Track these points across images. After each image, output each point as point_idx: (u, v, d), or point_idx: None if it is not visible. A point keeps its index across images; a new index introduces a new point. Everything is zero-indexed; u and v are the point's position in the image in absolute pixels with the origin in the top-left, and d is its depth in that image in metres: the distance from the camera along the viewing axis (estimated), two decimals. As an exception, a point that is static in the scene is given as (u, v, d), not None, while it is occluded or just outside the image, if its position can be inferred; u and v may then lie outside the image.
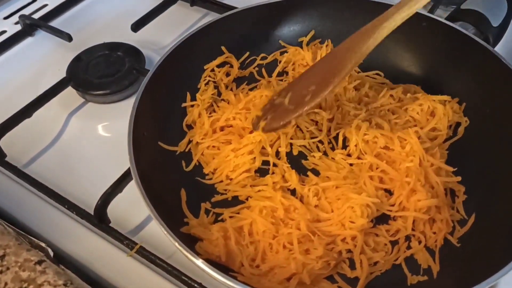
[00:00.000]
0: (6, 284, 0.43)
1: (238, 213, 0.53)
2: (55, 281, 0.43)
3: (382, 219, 0.54)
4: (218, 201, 0.56)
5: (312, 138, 0.60)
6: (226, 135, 0.60)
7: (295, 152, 0.60)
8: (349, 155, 0.58)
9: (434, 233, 0.52)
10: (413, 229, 0.52)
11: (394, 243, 0.52)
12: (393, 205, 0.54)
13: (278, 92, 0.60)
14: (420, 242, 0.52)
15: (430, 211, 0.52)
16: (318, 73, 0.58)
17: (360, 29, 0.55)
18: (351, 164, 0.57)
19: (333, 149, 0.60)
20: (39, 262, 0.45)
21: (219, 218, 0.54)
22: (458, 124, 0.61)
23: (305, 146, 0.60)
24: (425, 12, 0.64)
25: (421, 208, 0.52)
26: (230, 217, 0.53)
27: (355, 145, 0.58)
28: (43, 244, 0.50)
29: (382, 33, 0.53)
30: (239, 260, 0.48)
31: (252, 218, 0.51)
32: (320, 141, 0.60)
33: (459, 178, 0.55)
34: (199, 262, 0.44)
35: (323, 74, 0.56)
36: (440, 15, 0.70)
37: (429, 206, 0.52)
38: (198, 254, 0.45)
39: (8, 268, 0.44)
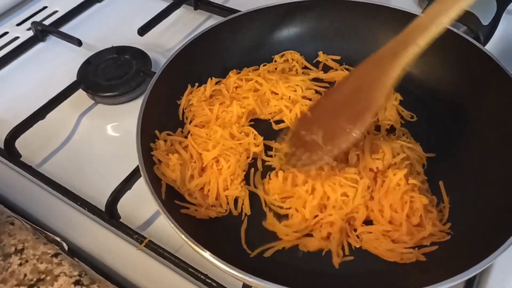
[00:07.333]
0: (25, 275, 0.45)
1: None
2: (71, 272, 0.45)
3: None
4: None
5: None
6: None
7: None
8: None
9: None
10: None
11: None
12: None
13: (301, 124, 0.56)
14: None
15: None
16: (345, 104, 0.53)
17: (385, 47, 0.51)
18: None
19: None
20: (55, 255, 0.47)
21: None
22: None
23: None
24: (418, 12, 0.64)
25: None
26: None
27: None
28: (58, 239, 0.51)
29: (413, 51, 0.49)
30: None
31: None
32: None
33: None
34: (206, 254, 0.45)
35: (353, 107, 0.52)
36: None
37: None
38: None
39: (27, 261, 0.47)
